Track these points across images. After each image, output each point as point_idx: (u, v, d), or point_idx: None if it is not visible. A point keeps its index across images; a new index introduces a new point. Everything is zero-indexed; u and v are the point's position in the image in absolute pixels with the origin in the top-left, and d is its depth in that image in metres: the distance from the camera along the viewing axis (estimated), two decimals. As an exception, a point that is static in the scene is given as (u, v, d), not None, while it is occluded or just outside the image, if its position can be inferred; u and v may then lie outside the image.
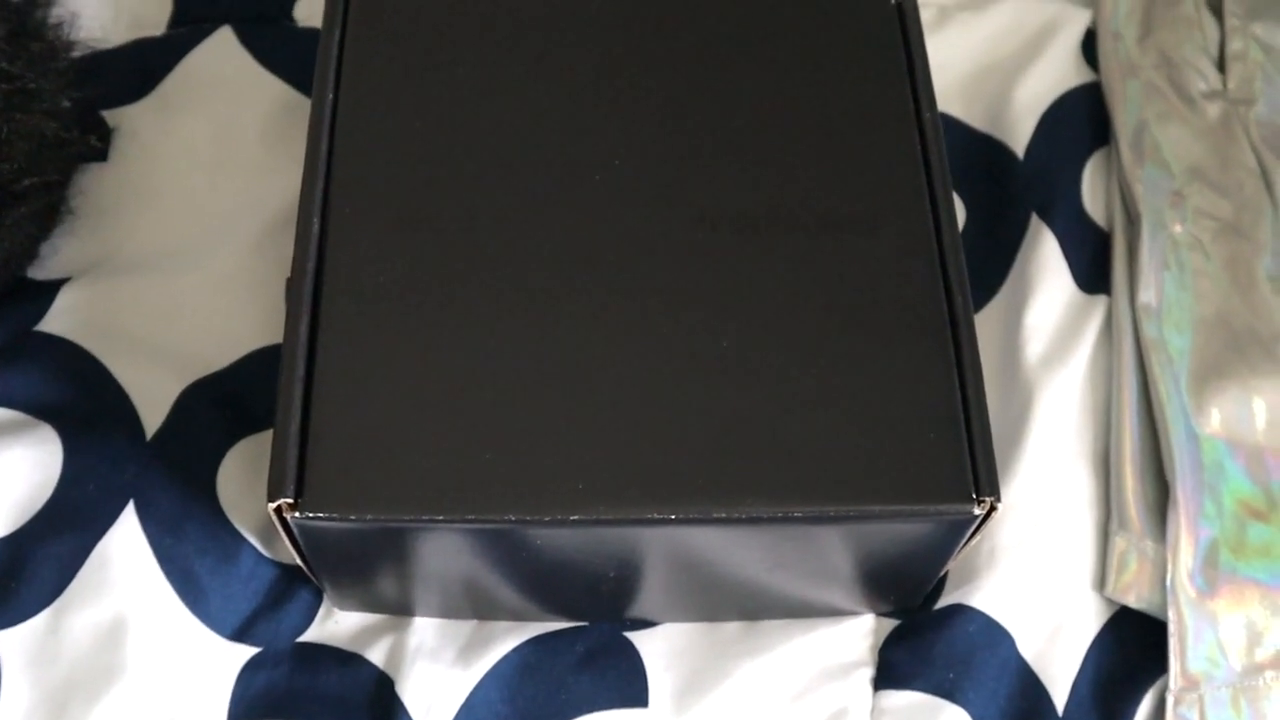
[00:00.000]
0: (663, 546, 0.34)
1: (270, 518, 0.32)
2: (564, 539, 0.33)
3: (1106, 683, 0.39)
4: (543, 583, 0.36)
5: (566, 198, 0.36)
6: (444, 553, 0.34)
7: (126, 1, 0.49)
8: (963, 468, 0.33)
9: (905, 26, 0.39)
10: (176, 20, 0.49)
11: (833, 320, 0.34)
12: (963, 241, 0.45)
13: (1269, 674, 0.38)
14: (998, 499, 0.33)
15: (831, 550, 0.35)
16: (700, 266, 0.35)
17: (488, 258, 0.35)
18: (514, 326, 0.34)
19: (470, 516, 0.32)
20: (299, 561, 0.35)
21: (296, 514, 0.31)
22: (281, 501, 0.31)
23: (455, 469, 0.32)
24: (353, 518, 0.32)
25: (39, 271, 0.44)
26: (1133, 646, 0.39)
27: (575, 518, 0.32)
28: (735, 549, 0.34)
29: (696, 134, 0.37)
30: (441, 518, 0.32)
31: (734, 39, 0.39)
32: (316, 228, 0.35)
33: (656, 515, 0.32)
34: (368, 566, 0.35)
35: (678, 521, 0.32)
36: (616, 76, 0.38)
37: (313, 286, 0.34)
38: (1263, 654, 0.38)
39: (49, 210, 0.44)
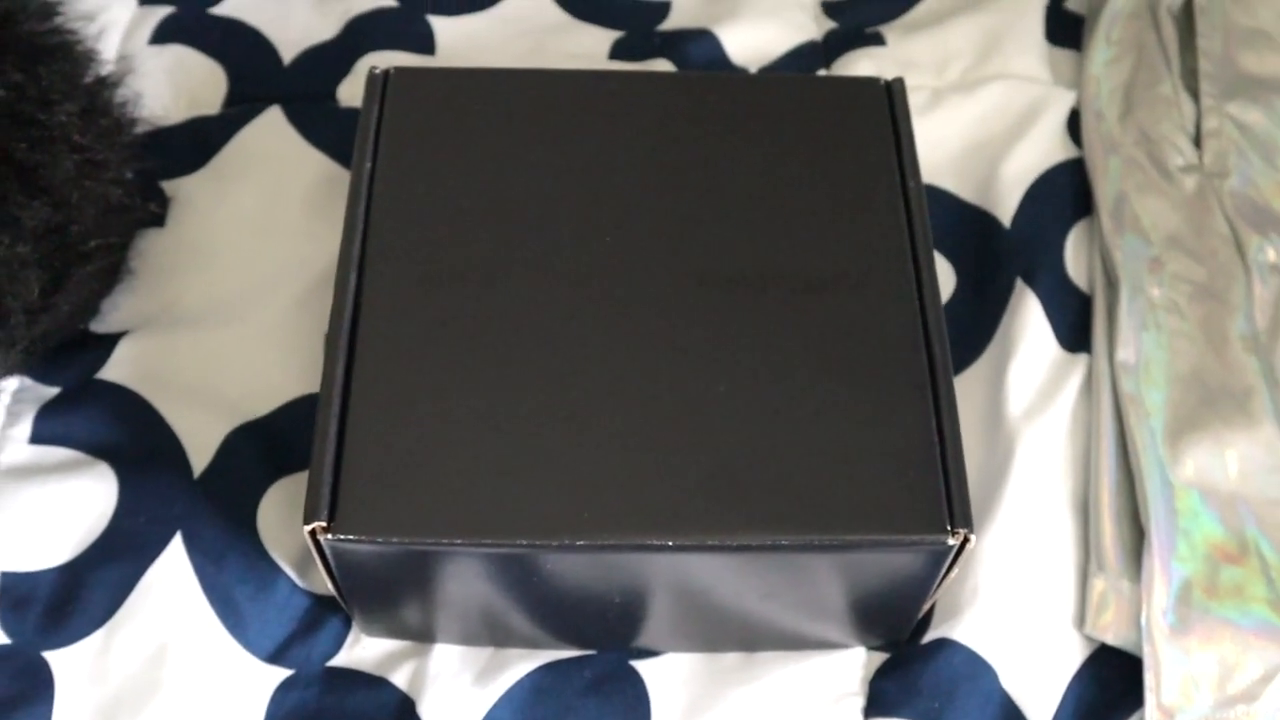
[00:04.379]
0: (663, 573, 0.36)
1: (306, 543, 0.35)
2: (571, 564, 0.36)
3: (1086, 715, 0.40)
4: (553, 609, 0.39)
5: (579, 259, 0.39)
6: (462, 577, 0.36)
7: (185, 83, 0.53)
8: (939, 502, 0.35)
9: (893, 104, 0.43)
10: (230, 100, 0.53)
11: (822, 368, 0.37)
12: (952, 304, 0.48)
13: (1240, 707, 0.40)
14: (971, 531, 0.35)
15: (820, 580, 0.37)
16: (702, 320, 0.38)
17: (506, 310, 0.38)
18: (529, 372, 0.37)
19: (486, 541, 0.35)
20: (331, 588, 0.38)
21: (329, 536, 0.34)
22: (316, 525, 0.34)
23: (474, 498, 0.35)
24: (380, 540, 0.34)
25: (100, 325, 0.47)
26: (1111, 682, 0.41)
27: (581, 543, 0.34)
28: (729, 576, 0.36)
29: (699, 200, 0.40)
30: (460, 541, 0.35)
31: (734, 117, 0.42)
32: (354, 281, 0.38)
33: (656, 542, 0.34)
34: (394, 590, 0.38)
35: (675, 548, 0.35)
36: (627, 153, 0.41)
37: (349, 333, 0.37)
38: (1234, 688, 0.40)
39: (111, 270, 0.47)
